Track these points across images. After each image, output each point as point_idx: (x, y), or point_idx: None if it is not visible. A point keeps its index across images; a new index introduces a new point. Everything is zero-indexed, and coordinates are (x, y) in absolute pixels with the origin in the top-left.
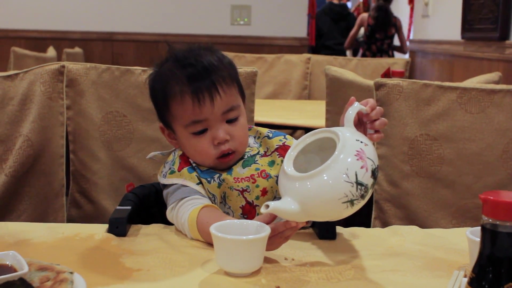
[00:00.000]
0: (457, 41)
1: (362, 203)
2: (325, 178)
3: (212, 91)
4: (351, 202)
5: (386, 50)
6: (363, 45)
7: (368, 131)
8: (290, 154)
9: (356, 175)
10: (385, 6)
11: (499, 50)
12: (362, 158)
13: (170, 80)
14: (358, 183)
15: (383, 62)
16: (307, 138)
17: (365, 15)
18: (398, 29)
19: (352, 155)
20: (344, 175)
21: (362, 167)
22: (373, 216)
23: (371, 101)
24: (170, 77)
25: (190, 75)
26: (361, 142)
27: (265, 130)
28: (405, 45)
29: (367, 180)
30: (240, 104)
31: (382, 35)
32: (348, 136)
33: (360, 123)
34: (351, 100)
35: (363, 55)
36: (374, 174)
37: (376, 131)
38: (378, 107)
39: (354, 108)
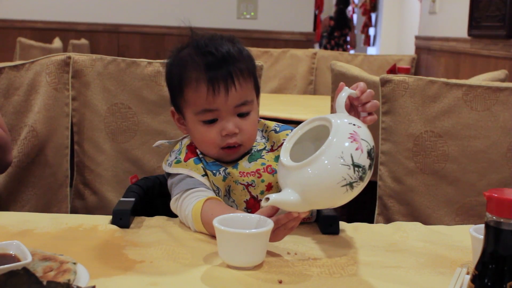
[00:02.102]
0: (463, 38)
1: (362, 185)
2: (322, 163)
3: (228, 83)
4: (350, 185)
5: (342, 44)
6: (322, 40)
7: (361, 115)
8: (286, 146)
9: (352, 157)
10: (344, 10)
11: (505, 48)
12: (356, 140)
13: (188, 66)
14: (355, 165)
15: (389, 59)
16: (300, 130)
17: (327, 17)
18: (351, 29)
19: (346, 138)
20: (340, 159)
21: (357, 149)
22: (376, 212)
23: (361, 85)
24: (189, 63)
25: (209, 63)
26: (354, 124)
27: (272, 124)
28: (353, 41)
29: (364, 161)
30: (254, 99)
31: (339, 33)
32: (340, 121)
33: (352, 107)
34: (340, 86)
35: (325, 47)
36: (370, 155)
37: (369, 114)
38: (368, 90)
39: (344, 93)
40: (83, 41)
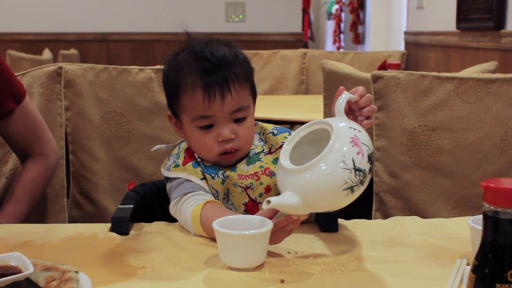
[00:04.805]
0: (452, 31)
1: (361, 189)
2: (323, 167)
3: (224, 89)
4: (351, 188)
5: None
6: None
7: (358, 118)
8: (286, 149)
9: (353, 161)
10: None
11: (494, 40)
12: (357, 144)
13: (184, 71)
14: (356, 169)
15: (379, 55)
16: (301, 132)
17: None
18: (311, 27)
19: (347, 142)
20: (341, 163)
21: (358, 153)
22: (373, 208)
23: (360, 89)
24: (185, 68)
25: (204, 69)
26: (354, 129)
27: (270, 127)
28: (313, 37)
29: (364, 165)
30: (250, 104)
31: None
32: (341, 125)
33: (351, 111)
34: (340, 90)
35: None
36: (370, 159)
37: (367, 118)
38: (367, 95)
39: (343, 97)
40: (73, 51)
